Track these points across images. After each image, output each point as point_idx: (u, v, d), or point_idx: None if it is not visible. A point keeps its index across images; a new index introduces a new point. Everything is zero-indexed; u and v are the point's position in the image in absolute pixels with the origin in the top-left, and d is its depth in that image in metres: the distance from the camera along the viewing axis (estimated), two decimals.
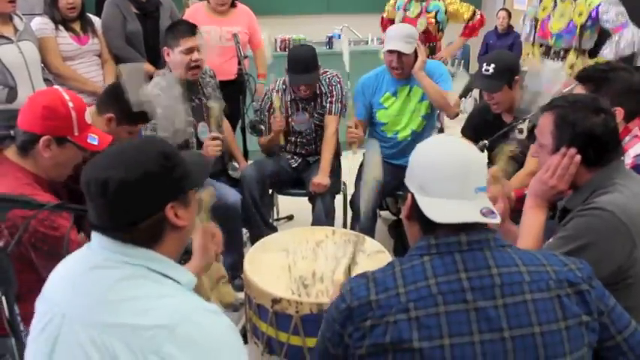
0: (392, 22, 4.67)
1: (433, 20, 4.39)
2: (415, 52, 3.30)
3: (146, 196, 1.21)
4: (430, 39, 4.60)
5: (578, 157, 1.71)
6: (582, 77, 2.17)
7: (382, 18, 4.81)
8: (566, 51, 3.91)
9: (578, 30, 3.80)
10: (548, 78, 3.37)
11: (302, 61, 3.32)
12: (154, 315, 1.13)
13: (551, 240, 1.75)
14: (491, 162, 3.08)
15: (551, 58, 3.97)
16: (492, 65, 2.86)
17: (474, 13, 4.43)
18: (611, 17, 3.73)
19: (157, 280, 1.21)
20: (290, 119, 3.53)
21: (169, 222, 1.24)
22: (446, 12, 4.38)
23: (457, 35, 4.68)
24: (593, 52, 3.92)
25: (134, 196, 1.20)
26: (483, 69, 2.89)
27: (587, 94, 2.05)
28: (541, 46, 4.06)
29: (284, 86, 3.50)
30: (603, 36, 3.89)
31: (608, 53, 3.78)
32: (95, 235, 1.24)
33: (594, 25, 3.80)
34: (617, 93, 2.05)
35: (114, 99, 2.44)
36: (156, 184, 1.22)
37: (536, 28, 4.12)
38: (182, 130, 2.77)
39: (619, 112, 2.03)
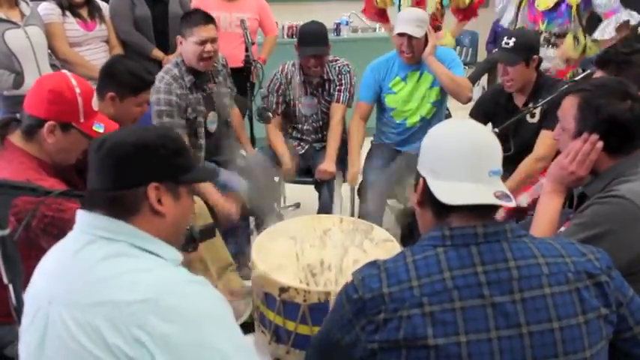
0: (382, 12, 4.61)
1: (440, 6, 4.35)
2: (426, 36, 3.26)
3: (132, 164, 1.24)
4: (434, 22, 4.54)
5: (600, 144, 1.67)
6: (603, 61, 2.12)
7: (370, 6, 4.59)
8: (558, 36, 3.85)
9: (574, 11, 3.74)
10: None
11: (313, 34, 3.33)
12: (136, 290, 1.13)
13: (562, 229, 1.72)
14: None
15: (540, 45, 3.93)
16: (513, 39, 2.84)
17: None
18: (604, 1, 3.69)
19: (139, 256, 1.21)
20: (297, 102, 3.51)
21: (149, 202, 1.25)
22: None
23: (454, 18, 4.62)
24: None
25: (122, 159, 1.24)
26: (504, 42, 2.86)
27: (614, 78, 1.99)
28: None
29: (293, 68, 3.48)
30: (591, 22, 3.85)
31: (598, 35, 3.74)
32: (80, 215, 1.26)
33: (587, 8, 3.76)
34: None
35: (107, 76, 2.43)
36: (146, 157, 1.26)
37: (517, 12, 4.06)
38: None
39: None
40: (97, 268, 1.18)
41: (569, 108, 1.75)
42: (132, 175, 1.24)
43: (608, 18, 3.70)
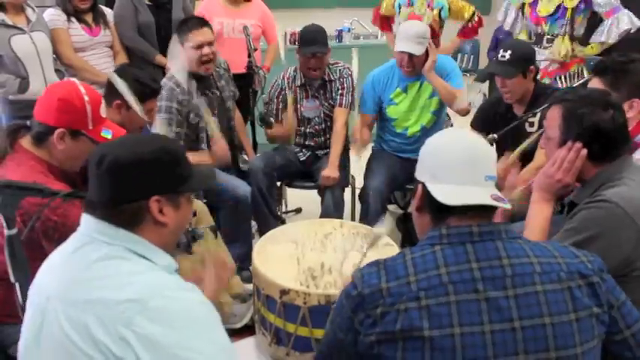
0: (388, 19, 4.64)
1: (437, 18, 4.36)
2: (426, 50, 3.28)
3: (133, 180, 1.27)
4: (432, 34, 4.56)
5: (585, 152, 1.72)
6: (600, 69, 2.15)
7: (377, 13, 4.69)
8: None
9: (569, 14, 3.77)
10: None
11: (312, 33, 3.38)
12: (126, 290, 1.16)
13: (557, 235, 1.75)
14: (500, 155, 3.09)
15: (543, 47, 3.94)
16: (509, 52, 2.86)
17: (473, 14, 4.40)
18: (603, 1, 3.71)
19: (132, 260, 1.25)
20: (299, 105, 3.54)
21: (151, 214, 1.28)
22: (449, 9, 4.36)
23: (454, 32, 4.64)
24: (585, 38, 3.90)
25: (121, 177, 1.26)
26: (500, 55, 2.88)
27: (597, 88, 2.04)
28: (530, 35, 4.05)
29: (294, 73, 3.53)
30: (593, 21, 3.87)
31: (601, 37, 3.76)
32: (84, 217, 1.29)
33: (587, 9, 3.78)
34: (636, 85, 2.04)
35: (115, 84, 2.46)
36: (146, 172, 1.28)
37: (522, 14, 4.09)
38: None
39: (637, 104, 2.02)
40: (91, 267, 1.22)
41: (553, 118, 1.80)
42: (132, 190, 1.27)
43: (609, 17, 3.72)
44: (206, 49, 3.05)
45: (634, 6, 3.85)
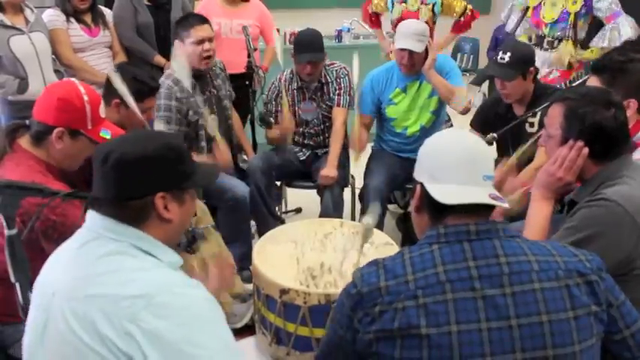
0: (377, 15, 4.64)
1: (431, 13, 4.35)
2: (426, 48, 3.28)
3: (138, 177, 1.28)
4: None
5: (586, 150, 1.72)
6: (598, 68, 2.14)
7: (366, 10, 4.70)
8: (560, 40, 3.88)
9: (572, 18, 3.77)
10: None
11: (307, 40, 3.38)
12: (132, 286, 1.18)
13: (557, 233, 1.76)
14: (500, 155, 3.09)
15: (544, 49, 3.94)
16: (508, 54, 2.86)
17: (465, 9, 4.40)
18: (604, 6, 3.71)
19: (138, 257, 1.26)
20: (297, 108, 3.55)
21: (157, 210, 1.29)
22: (442, 4, 4.35)
23: (446, 29, 4.63)
24: (585, 42, 3.90)
25: (127, 174, 1.27)
26: (499, 57, 2.88)
27: (598, 86, 2.03)
28: (530, 39, 4.05)
29: (291, 75, 3.53)
30: (594, 25, 3.87)
31: (602, 42, 3.75)
32: (90, 214, 1.31)
33: (587, 13, 3.78)
34: (634, 84, 2.03)
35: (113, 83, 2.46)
36: (150, 169, 1.29)
37: (523, 17, 4.09)
38: None
39: (633, 104, 2.02)
40: (97, 263, 1.23)
41: (555, 116, 1.79)
42: (138, 187, 1.28)
43: (610, 23, 3.71)
44: (207, 45, 3.08)
45: (635, 10, 3.84)
